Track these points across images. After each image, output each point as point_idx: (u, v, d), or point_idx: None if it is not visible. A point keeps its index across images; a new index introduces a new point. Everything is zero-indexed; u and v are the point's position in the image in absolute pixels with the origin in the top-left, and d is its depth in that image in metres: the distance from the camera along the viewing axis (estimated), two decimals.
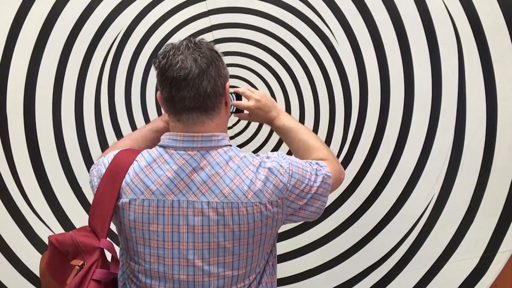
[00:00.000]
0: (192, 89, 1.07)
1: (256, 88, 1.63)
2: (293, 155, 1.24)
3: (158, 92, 1.14)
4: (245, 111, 1.35)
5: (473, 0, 1.55)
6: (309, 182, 1.14)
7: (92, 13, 1.64)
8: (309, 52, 1.63)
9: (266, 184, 1.09)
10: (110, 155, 1.16)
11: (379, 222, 1.68)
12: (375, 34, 1.60)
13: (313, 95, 1.65)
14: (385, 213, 1.67)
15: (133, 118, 1.69)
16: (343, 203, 1.68)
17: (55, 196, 1.71)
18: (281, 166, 1.11)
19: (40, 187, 1.70)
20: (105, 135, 1.69)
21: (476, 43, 1.56)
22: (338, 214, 1.68)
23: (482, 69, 1.57)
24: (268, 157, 1.14)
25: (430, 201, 1.65)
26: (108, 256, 1.13)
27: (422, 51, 1.59)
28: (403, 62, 1.60)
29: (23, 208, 1.70)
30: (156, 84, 1.14)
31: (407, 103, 1.62)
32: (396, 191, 1.66)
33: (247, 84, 1.66)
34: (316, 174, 1.16)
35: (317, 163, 1.19)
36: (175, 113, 1.11)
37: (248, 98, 1.34)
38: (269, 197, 1.09)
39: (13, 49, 1.65)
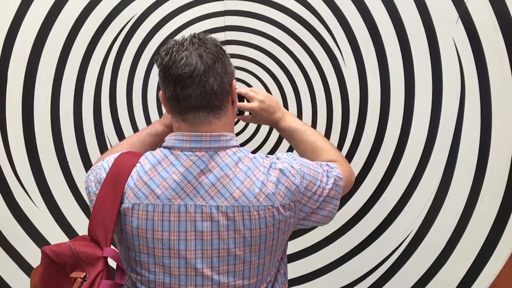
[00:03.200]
0: (198, 86, 1.01)
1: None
2: None
3: (160, 92, 1.07)
4: (248, 113, 1.30)
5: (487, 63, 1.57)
6: (321, 184, 1.08)
7: (98, 3, 1.63)
8: (316, 70, 1.63)
9: (278, 186, 1.03)
10: (109, 158, 1.08)
11: (354, 248, 1.68)
12: (384, 63, 1.61)
13: (312, 114, 1.65)
14: (361, 240, 1.68)
15: (134, 119, 1.68)
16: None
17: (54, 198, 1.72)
18: (292, 167, 1.06)
19: (38, 188, 1.71)
20: (104, 138, 1.69)
21: (480, 97, 1.58)
22: (313, 235, 1.70)
23: (481, 119, 1.59)
24: (278, 158, 1.08)
25: (408, 236, 1.66)
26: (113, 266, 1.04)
27: (424, 97, 1.60)
28: (405, 98, 1.62)
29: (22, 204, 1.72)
30: (158, 83, 1.08)
31: (401, 138, 1.63)
32: (376, 221, 1.67)
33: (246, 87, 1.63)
34: (328, 176, 1.10)
35: (327, 164, 1.14)
36: (180, 112, 1.04)
37: (251, 99, 1.29)
38: (282, 200, 1.03)
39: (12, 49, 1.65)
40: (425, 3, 1.57)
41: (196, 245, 1.01)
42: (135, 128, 1.68)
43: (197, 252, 1.01)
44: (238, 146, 1.07)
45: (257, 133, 1.68)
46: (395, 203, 1.65)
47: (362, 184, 1.66)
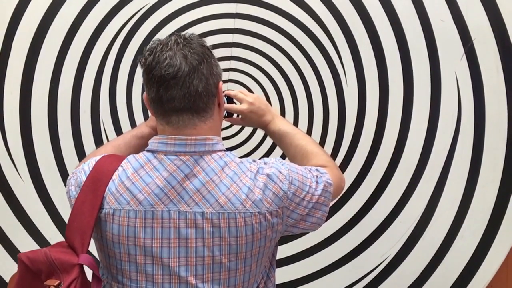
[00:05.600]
0: (182, 88, 0.98)
1: (252, 92, 1.62)
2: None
3: (145, 93, 1.04)
4: (238, 115, 1.28)
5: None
6: (310, 190, 1.05)
7: None
8: (317, 84, 1.64)
9: (265, 192, 1.00)
10: (91, 161, 1.04)
11: (329, 265, 1.68)
12: (385, 88, 1.62)
13: (308, 127, 1.66)
14: (337, 259, 1.68)
15: (132, 106, 1.69)
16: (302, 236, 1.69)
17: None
18: (280, 172, 1.03)
19: (25, 160, 1.71)
20: (99, 121, 1.69)
21: (474, 134, 1.59)
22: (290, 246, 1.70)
23: (471, 156, 1.60)
24: (265, 163, 1.05)
25: (384, 261, 1.67)
26: (89, 274, 1.00)
27: (419, 126, 1.61)
28: (400, 124, 1.62)
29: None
30: (142, 84, 1.04)
31: (392, 163, 1.63)
32: (355, 241, 1.67)
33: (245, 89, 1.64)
34: (317, 182, 1.08)
35: (317, 169, 1.11)
36: (164, 114, 1.01)
37: (240, 101, 1.26)
38: (269, 206, 1.00)
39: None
40: (433, 34, 1.58)
41: (180, 253, 0.98)
42: (130, 115, 1.68)
43: (181, 260, 0.98)
44: (224, 150, 1.05)
45: (252, 136, 1.68)
46: (376, 226, 1.66)
47: (348, 202, 1.66)
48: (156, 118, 1.05)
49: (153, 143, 1.02)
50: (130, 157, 1.03)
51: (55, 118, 1.70)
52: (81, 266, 0.96)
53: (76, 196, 1.01)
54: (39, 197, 1.72)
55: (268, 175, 1.02)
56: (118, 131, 1.69)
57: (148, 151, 1.03)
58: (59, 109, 1.69)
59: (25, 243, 1.73)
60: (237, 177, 1.00)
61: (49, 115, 1.70)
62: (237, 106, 1.27)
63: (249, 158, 1.06)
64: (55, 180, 1.72)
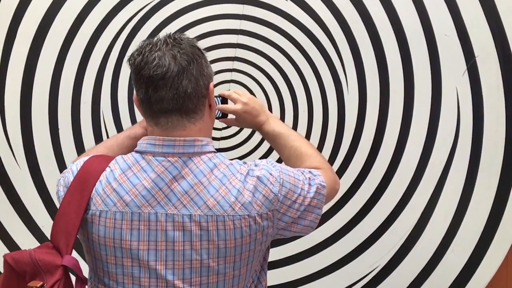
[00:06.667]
0: (170, 89, 0.96)
1: (254, 94, 1.63)
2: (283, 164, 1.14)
3: (135, 94, 1.02)
4: (232, 116, 1.26)
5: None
6: (302, 192, 1.03)
7: None
8: (318, 90, 1.65)
9: (255, 195, 0.98)
10: (79, 161, 1.03)
11: (318, 271, 1.69)
12: (385, 99, 1.62)
13: (306, 133, 1.67)
14: (326, 266, 1.69)
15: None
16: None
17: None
18: (271, 174, 1.01)
19: (23, 147, 1.72)
20: (99, 111, 1.70)
21: (471, 151, 1.60)
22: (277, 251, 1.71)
23: (467, 172, 1.60)
24: (256, 165, 1.03)
25: (373, 271, 1.68)
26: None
27: (417, 139, 1.61)
28: (399, 135, 1.63)
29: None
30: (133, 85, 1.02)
31: (388, 172, 1.64)
32: (345, 250, 1.68)
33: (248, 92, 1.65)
34: (310, 184, 1.05)
35: (310, 171, 1.09)
36: (153, 116, 1.00)
37: (234, 101, 1.25)
38: (259, 209, 0.98)
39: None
40: (437, 48, 1.59)
41: (167, 256, 0.96)
42: (131, 108, 1.69)
43: (168, 263, 0.96)
44: (214, 152, 1.03)
45: (252, 136, 1.68)
46: (368, 235, 1.67)
47: (342, 210, 1.66)
48: (145, 120, 1.03)
49: (142, 143, 1.01)
50: (119, 157, 1.02)
51: (56, 107, 1.71)
52: (64, 267, 0.95)
53: (63, 196, 1.00)
54: (34, 185, 1.73)
55: (258, 177, 1.00)
56: (118, 123, 1.69)
57: (136, 152, 1.01)
58: (60, 99, 1.71)
59: (17, 229, 1.74)
60: (226, 179, 0.99)
61: (50, 104, 1.71)
62: (231, 106, 1.26)
63: (240, 160, 1.05)
64: (51, 169, 1.73)
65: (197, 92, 0.99)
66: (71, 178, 1.01)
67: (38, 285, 0.97)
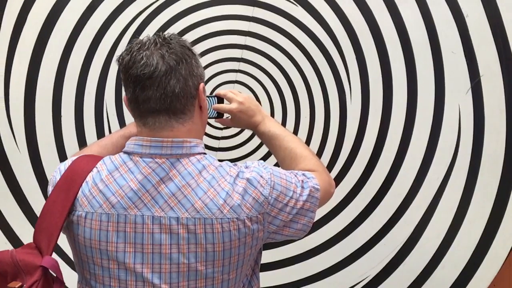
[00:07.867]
0: (158, 88, 0.95)
1: (258, 98, 1.63)
2: (279, 166, 1.14)
3: (124, 94, 1.01)
4: (228, 115, 1.25)
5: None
6: (294, 195, 1.01)
7: None
8: (322, 97, 1.65)
9: (244, 197, 0.96)
10: (68, 161, 1.02)
11: (308, 277, 1.70)
12: (387, 111, 1.63)
13: (307, 139, 1.68)
14: (316, 272, 1.70)
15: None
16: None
17: None
18: (261, 176, 0.99)
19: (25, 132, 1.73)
20: (103, 104, 1.71)
21: (469, 169, 1.60)
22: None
23: (463, 191, 1.61)
24: (247, 167, 1.01)
25: (362, 280, 1.68)
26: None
27: (416, 153, 1.62)
28: (398, 148, 1.63)
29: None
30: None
31: (384, 184, 1.64)
32: (336, 258, 1.68)
33: (250, 92, 1.65)
34: (302, 187, 1.03)
35: (303, 174, 1.06)
36: (140, 116, 0.98)
37: (230, 100, 1.23)
38: (248, 212, 0.96)
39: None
40: (443, 65, 1.59)
41: (154, 259, 0.94)
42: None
43: (155, 266, 0.95)
44: (204, 153, 1.01)
45: (252, 137, 1.68)
46: (360, 245, 1.67)
47: (335, 218, 1.67)
48: (134, 120, 1.02)
49: (130, 144, 0.99)
50: (106, 158, 1.00)
51: (60, 95, 1.72)
52: (44, 268, 0.93)
53: (49, 195, 0.99)
54: (33, 169, 1.74)
55: (248, 180, 0.98)
56: (120, 115, 1.70)
57: (124, 152, 1.00)
58: (65, 87, 1.71)
59: (12, 211, 1.76)
60: (215, 181, 0.96)
61: (55, 91, 1.72)
62: (226, 105, 1.24)
63: (229, 162, 1.03)
64: (51, 155, 1.73)
65: (186, 92, 0.98)
66: (58, 177, 0.99)
67: (17, 286, 0.94)
